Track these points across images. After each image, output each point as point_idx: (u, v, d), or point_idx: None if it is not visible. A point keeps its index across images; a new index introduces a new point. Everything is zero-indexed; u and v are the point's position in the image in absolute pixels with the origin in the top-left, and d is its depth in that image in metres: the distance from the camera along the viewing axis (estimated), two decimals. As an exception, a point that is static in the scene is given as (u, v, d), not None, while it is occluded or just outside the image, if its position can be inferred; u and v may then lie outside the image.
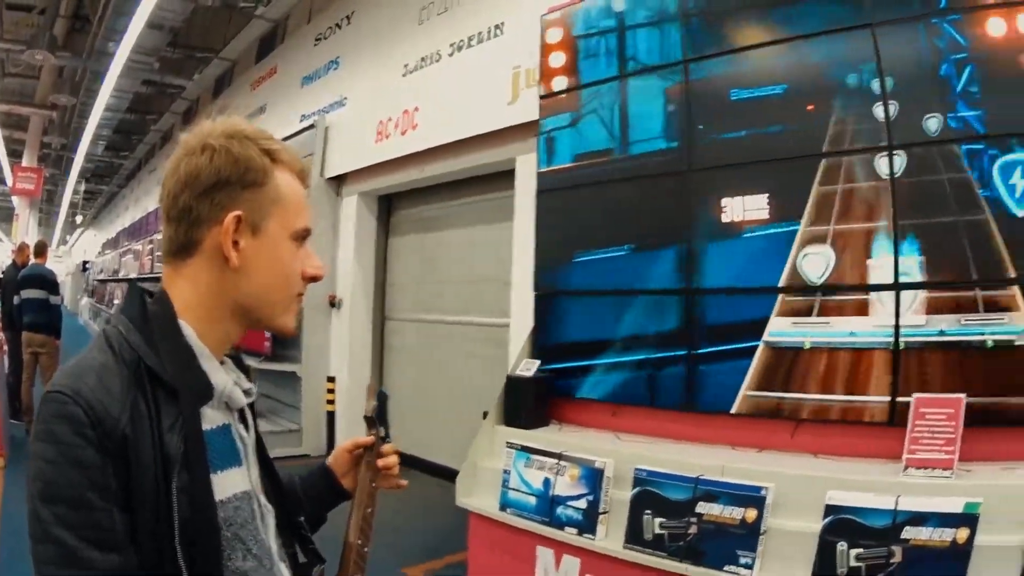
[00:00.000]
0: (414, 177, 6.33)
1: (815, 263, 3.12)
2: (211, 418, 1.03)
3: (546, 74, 4.17)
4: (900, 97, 2.98)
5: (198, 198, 1.02)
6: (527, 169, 4.69)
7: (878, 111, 3.03)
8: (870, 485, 2.67)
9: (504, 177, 5.28)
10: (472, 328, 6.11)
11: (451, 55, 5.95)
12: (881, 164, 3.00)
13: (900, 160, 2.97)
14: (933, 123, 2.91)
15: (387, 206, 7.40)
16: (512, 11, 5.30)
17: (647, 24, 3.79)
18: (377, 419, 1.42)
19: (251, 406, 1.14)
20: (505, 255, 5.18)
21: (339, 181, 7.54)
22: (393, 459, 1.40)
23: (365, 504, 1.34)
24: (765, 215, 3.26)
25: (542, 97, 4.20)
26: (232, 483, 1.03)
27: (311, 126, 7.83)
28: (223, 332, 1.07)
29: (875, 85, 3.04)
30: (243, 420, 1.12)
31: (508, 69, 5.16)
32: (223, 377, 1.05)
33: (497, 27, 5.48)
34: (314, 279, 1.13)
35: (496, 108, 5.19)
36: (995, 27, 2.83)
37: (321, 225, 7.05)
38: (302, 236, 1.10)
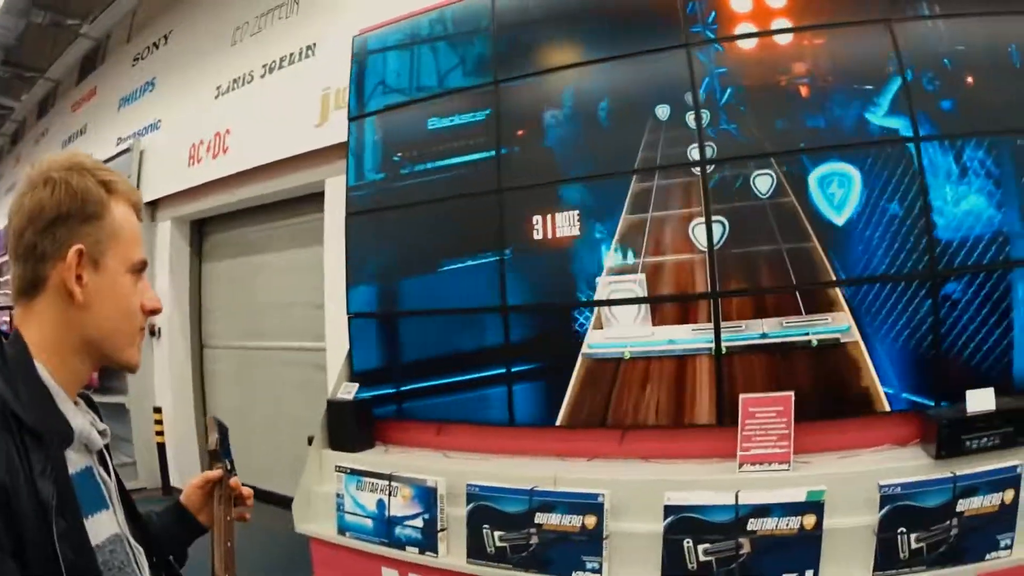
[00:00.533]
0: (225, 201, 6.15)
1: (630, 276, 3.25)
2: (74, 461, 1.00)
3: (355, 95, 4.17)
4: (711, 108, 3.18)
5: (41, 234, 0.99)
6: (336, 191, 4.65)
7: (690, 119, 3.21)
8: (707, 484, 2.80)
9: (314, 200, 5.21)
10: (290, 353, 5.99)
11: (263, 76, 5.84)
12: (696, 173, 3.18)
13: (713, 168, 3.16)
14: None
15: (200, 231, 7.15)
16: (324, 32, 5.28)
17: (457, 44, 3.87)
18: (221, 452, 1.41)
19: (107, 447, 1.11)
20: (318, 278, 5.11)
21: (153, 206, 7.18)
22: (246, 490, 1.41)
23: (224, 538, 1.34)
24: (576, 231, 3.36)
25: (351, 119, 4.18)
26: (103, 527, 1.01)
27: (127, 149, 7.44)
28: (74, 370, 1.04)
29: (688, 98, 3.22)
30: (101, 461, 1.09)
31: (318, 90, 5.10)
32: (80, 419, 1.03)
33: (309, 48, 5.43)
34: (153, 312, 1.12)
35: (305, 130, 5.12)
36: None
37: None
38: (139, 269, 1.10)
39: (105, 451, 1.11)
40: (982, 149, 2.92)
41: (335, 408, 3.80)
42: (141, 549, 1.11)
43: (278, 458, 5.68)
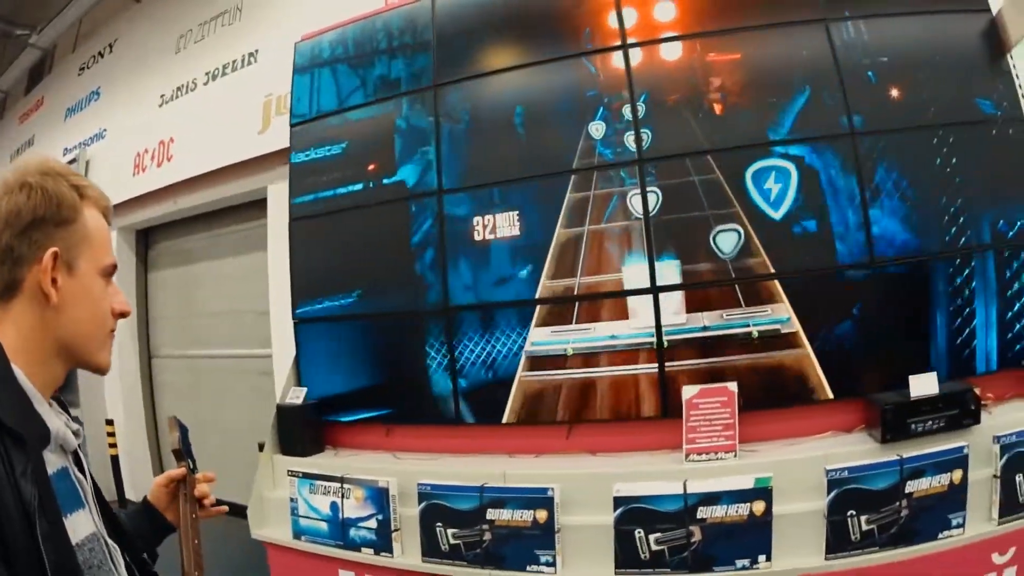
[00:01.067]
0: (170, 209, 6.11)
1: (569, 272, 3.30)
2: (51, 462, 1.00)
3: (297, 101, 4.17)
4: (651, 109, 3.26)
5: (19, 237, 1.00)
6: (279, 197, 4.65)
7: (626, 110, 3.29)
8: (655, 475, 2.84)
9: (258, 206, 5.21)
10: (237, 360, 5.96)
11: (206, 84, 5.82)
12: (634, 171, 3.26)
13: (652, 180, 3.23)
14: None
15: (146, 240, 7.09)
16: (266, 39, 5.29)
17: (398, 51, 3.88)
18: (183, 450, 1.44)
19: (80, 447, 1.11)
20: (263, 285, 5.09)
21: (100, 217, 7.07)
22: (204, 488, 1.43)
23: (191, 536, 1.36)
24: (517, 231, 3.41)
25: (293, 125, 4.17)
26: (81, 526, 1.02)
27: (74, 160, 7.32)
28: (50, 373, 1.05)
29: (627, 110, 3.30)
30: (76, 462, 1.09)
31: (260, 97, 5.11)
32: (56, 420, 1.03)
33: (251, 55, 5.43)
34: (123, 315, 1.13)
35: (248, 137, 5.12)
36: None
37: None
38: (110, 272, 1.11)
39: (79, 451, 1.11)
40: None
41: (285, 413, 3.79)
42: (117, 547, 1.12)
43: (230, 466, 5.57)
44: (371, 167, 3.83)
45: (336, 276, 3.89)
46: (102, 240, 1.10)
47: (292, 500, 3.46)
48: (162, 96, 6.29)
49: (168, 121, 6.15)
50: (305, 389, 3.85)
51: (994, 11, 3.21)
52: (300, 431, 3.73)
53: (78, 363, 1.10)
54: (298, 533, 3.45)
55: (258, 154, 5.02)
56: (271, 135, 4.93)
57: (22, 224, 1.01)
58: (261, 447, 3.79)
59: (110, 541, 1.10)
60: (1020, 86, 3.17)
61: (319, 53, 4.12)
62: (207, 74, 5.81)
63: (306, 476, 3.44)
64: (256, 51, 5.37)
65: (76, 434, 1.09)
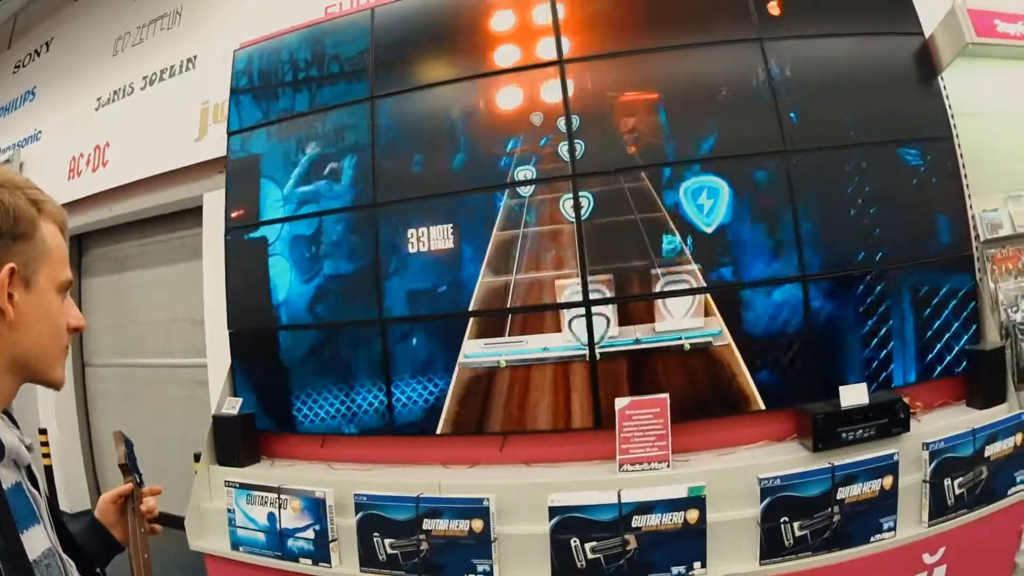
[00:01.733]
0: (104, 216, 5.99)
1: (502, 285, 3.33)
2: (5, 477, 0.99)
3: (234, 109, 4.13)
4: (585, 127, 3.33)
5: None
6: (215, 205, 4.59)
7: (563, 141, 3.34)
8: (590, 484, 2.90)
9: (193, 214, 5.13)
10: (172, 370, 5.87)
11: (143, 88, 5.72)
12: (566, 191, 3.32)
13: (584, 193, 3.29)
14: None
15: (79, 246, 6.91)
16: (205, 45, 5.22)
17: (335, 60, 3.87)
18: (130, 465, 1.43)
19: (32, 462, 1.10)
20: (197, 294, 5.03)
21: (32, 220, 6.89)
22: (151, 502, 1.42)
23: (141, 550, 1.34)
24: (451, 244, 3.43)
25: (230, 133, 4.14)
26: (38, 542, 1.00)
27: (7, 161, 7.12)
28: (2, 388, 1.03)
29: (561, 123, 3.35)
30: (29, 476, 1.07)
31: (197, 104, 5.05)
32: (9, 435, 1.03)
33: (190, 60, 5.36)
34: (77, 330, 1.12)
35: (184, 144, 5.05)
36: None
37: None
38: (66, 288, 1.10)
39: (32, 466, 1.10)
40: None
41: (221, 423, 3.78)
42: (72, 563, 1.11)
43: (166, 477, 5.51)
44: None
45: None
46: (60, 255, 1.09)
47: (229, 511, 3.46)
48: (99, 99, 6.15)
49: (104, 125, 6.02)
50: (240, 399, 3.82)
51: (926, 34, 3.35)
52: (236, 441, 3.72)
53: (32, 378, 1.09)
54: (236, 544, 3.45)
55: (194, 162, 4.96)
56: (207, 143, 4.88)
57: None
58: (197, 457, 3.76)
59: (65, 556, 1.09)
60: (950, 106, 3.31)
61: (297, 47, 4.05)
62: (144, 78, 5.70)
63: (243, 487, 3.44)
64: (195, 57, 5.30)
65: (29, 448, 1.08)
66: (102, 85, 6.14)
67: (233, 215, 4.00)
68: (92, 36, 6.45)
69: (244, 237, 3.95)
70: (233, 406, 3.81)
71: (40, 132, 6.97)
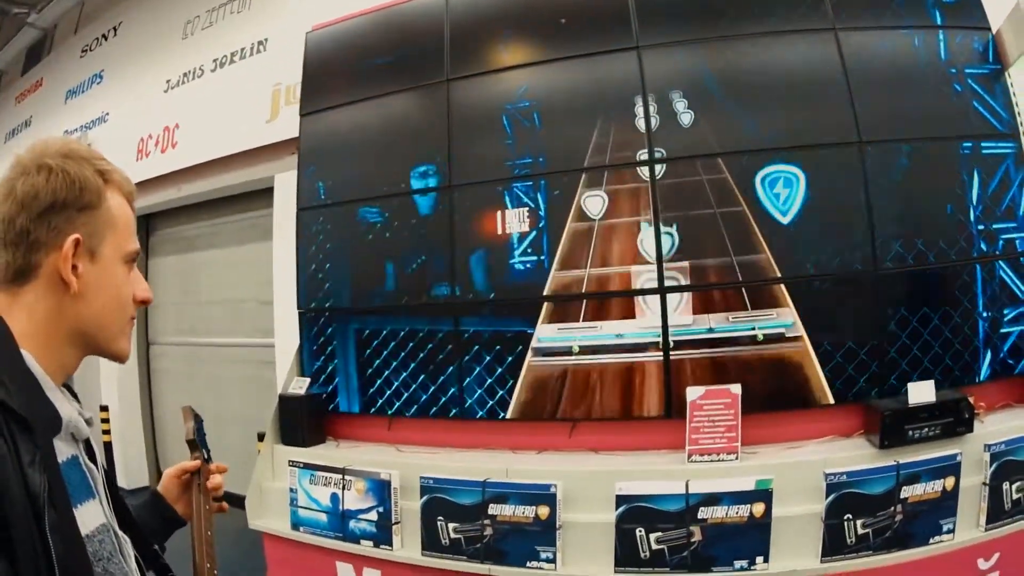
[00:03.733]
0: (173, 196, 6.08)
1: (577, 271, 3.28)
2: (61, 451, 0.96)
3: (307, 92, 4.14)
4: (661, 110, 3.26)
5: (36, 221, 0.96)
6: (286, 187, 4.61)
7: (640, 124, 3.28)
8: (658, 474, 2.85)
9: (263, 195, 5.18)
10: (237, 350, 5.93)
11: (213, 71, 5.80)
12: (643, 171, 3.24)
13: (661, 168, 3.22)
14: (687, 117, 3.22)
15: (147, 226, 7.04)
16: (276, 27, 5.27)
17: (409, 44, 3.86)
18: (198, 441, 1.42)
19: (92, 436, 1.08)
20: (266, 274, 5.07)
21: (99, 201, 7.05)
22: (218, 479, 1.40)
23: (205, 527, 1.33)
24: (526, 227, 3.39)
25: (303, 115, 4.15)
26: (92, 517, 0.98)
27: (75, 143, 7.28)
28: (63, 360, 1.01)
29: (638, 104, 3.29)
30: (87, 450, 1.05)
31: (269, 86, 5.09)
32: (68, 407, 0.99)
33: (261, 43, 5.41)
34: (144, 302, 1.10)
35: (256, 125, 5.10)
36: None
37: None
38: (132, 259, 1.08)
39: (91, 440, 1.07)
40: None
41: (287, 403, 3.77)
42: (127, 538, 1.08)
43: (227, 455, 5.60)
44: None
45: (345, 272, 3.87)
46: (126, 226, 1.07)
47: (292, 491, 3.46)
48: (168, 81, 6.25)
49: (174, 107, 6.12)
50: (308, 380, 3.82)
51: (994, 29, 3.26)
52: (302, 421, 3.71)
53: (96, 351, 1.06)
54: (296, 524, 3.44)
55: (266, 143, 5.00)
56: (279, 124, 4.91)
57: (40, 207, 0.97)
58: (260, 437, 3.76)
59: (120, 532, 1.07)
60: (1017, 104, 3.21)
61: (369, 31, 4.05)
62: (215, 61, 5.79)
63: (307, 467, 3.43)
64: (266, 39, 5.35)
65: (88, 422, 1.06)
66: (172, 68, 6.25)
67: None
68: (161, 20, 6.58)
69: (319, 217, 3.96)
70: (300, 386, 3.81)
71: (107, 114, 7.11)
